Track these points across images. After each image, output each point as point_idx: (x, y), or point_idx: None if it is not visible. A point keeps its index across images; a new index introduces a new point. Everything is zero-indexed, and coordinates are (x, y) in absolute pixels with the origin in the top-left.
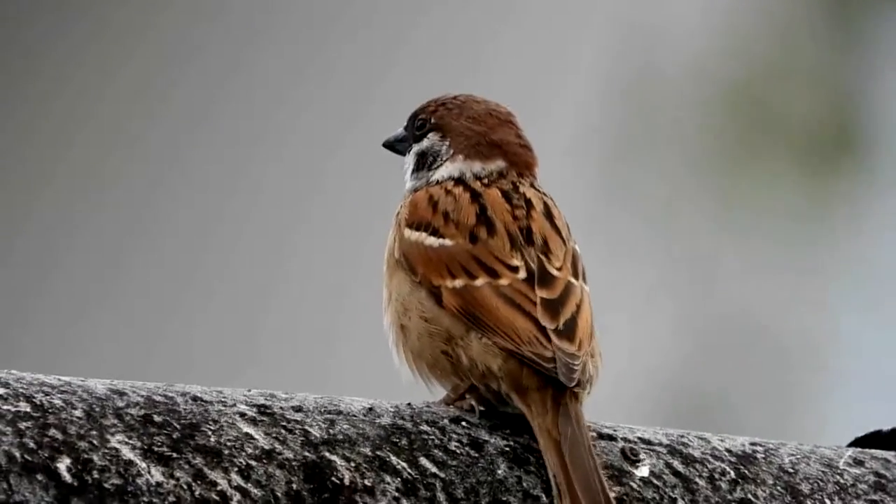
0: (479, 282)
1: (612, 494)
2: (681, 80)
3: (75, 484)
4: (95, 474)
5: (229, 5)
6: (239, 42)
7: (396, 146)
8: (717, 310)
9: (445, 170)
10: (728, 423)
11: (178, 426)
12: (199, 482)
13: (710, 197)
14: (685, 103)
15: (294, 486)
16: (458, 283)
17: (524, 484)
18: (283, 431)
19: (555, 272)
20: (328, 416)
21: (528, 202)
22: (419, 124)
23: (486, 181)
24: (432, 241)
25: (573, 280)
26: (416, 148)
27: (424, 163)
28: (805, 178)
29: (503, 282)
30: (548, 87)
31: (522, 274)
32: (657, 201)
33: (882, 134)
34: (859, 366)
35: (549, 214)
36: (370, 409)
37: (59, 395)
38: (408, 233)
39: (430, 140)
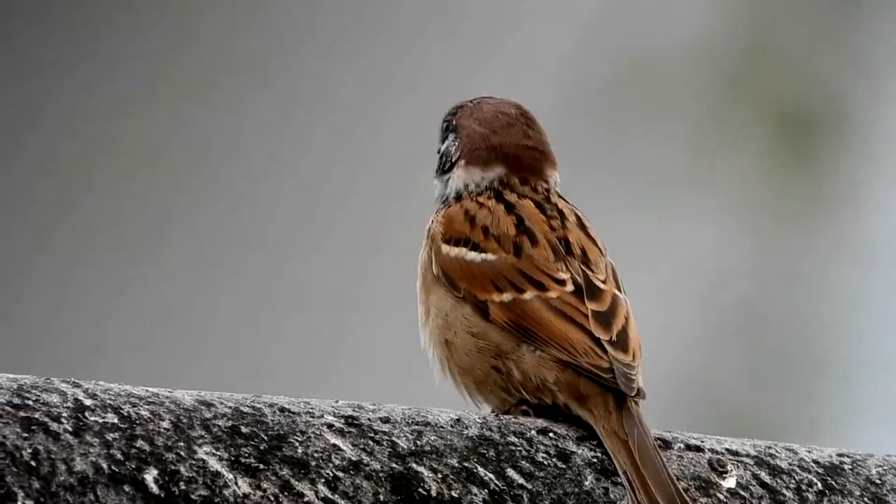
0: (528, 295)
1: (681, 486)
2: (668, 59)
3: (162, 495)
4: (182, 486)
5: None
6: (252, 47)
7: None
8: (711, 287)
9: (453, 182)
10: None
11: (265, 437)
12: (285, 493)
13: (696, 176)
14: (672, 83)
15: (381, 497)
16: (506, 297)
17: (611, 495)
18: (370, 443)
19: (601, 285)
20: (415, 427)
21: (561, 213)
22: (445, 125)
23: (488, 194)
24: (474, 255)
25: (618, 293)
26: (437, 147)
27: (441, 165)
28: (791, 158)
29: (552, 295)
30: (531, 63)
31: (570, 287)
32: (642, 183)
33: (868, 114)
34: (852, 349)
35: (582, 225)
36: (458, 420)
37: (147, 406)
38: (446, 248)
39: (447, 142)
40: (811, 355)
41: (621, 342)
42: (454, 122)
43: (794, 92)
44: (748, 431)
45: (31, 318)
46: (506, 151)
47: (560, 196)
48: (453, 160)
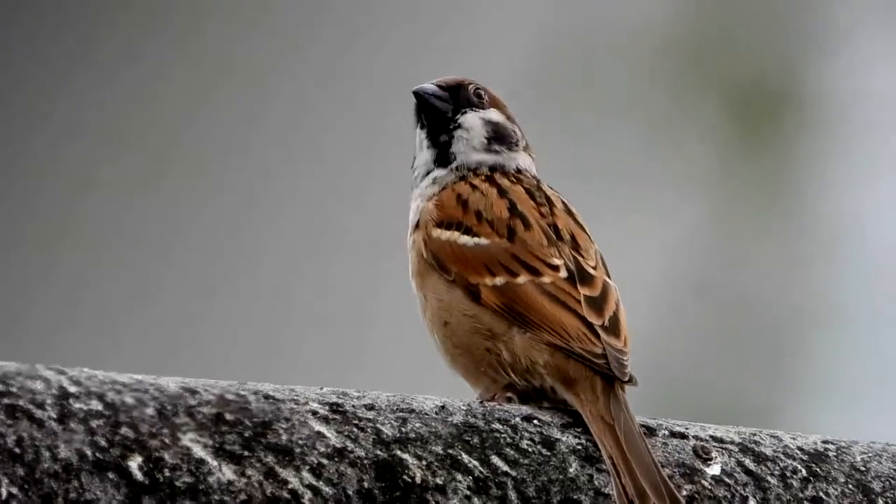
0: (521, 279)
1: (665, 472)
2: (623, 43)
3: (146, 482)
4: (167, 472)
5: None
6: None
7: (434, 101)
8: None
9: (524, 160)
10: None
11: (249, 424)
12: (270, 480)
13: (652, 161)
14: (627, 68)
15: (365, 484)
16: (499, 280)
17: (595, 482)
18: (354, 430)
19: (592, 271)
20: (400, 414)
21: (549, 200)
22: (476, 92)
23: (514, 178)
24: (466, 239)
25: (608, 279)
26: (482, 115)
27: (502, 138)
28: (748, 140)
29: (546, 279)
30: (485, 42)
31: (563, 273)
32: (597, 168)
33: (824, 95)
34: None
35: (569, 212)
36: (442, 407)
37: (131, 394)
38: (437, 232)
39: (499, 116)
40: (770, 337)
41: (613, 327)
42: (488, 100)
43: (750, 74)
44: (707, 414)
45: (18, 308)
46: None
47: (544, 184)
48: (519, 145)
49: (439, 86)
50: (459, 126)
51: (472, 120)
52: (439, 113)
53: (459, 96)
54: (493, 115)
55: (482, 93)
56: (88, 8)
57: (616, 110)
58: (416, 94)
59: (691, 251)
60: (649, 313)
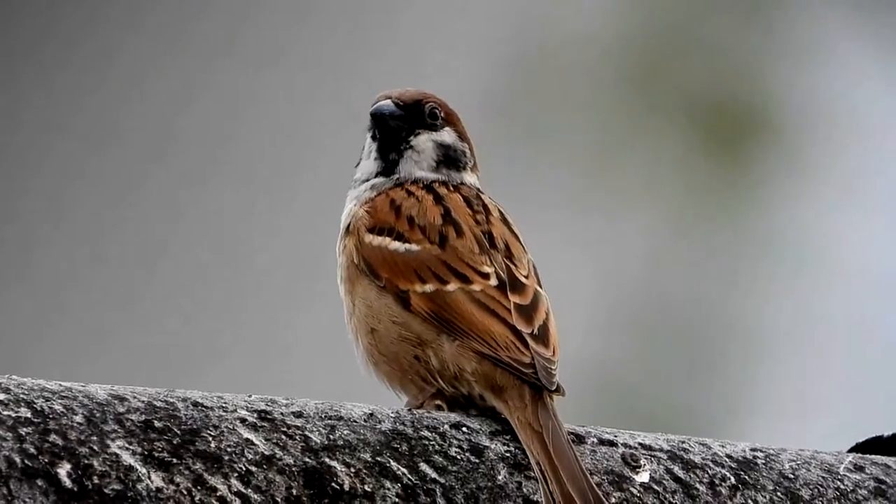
0: (451, 287)
1: (594, 481)
2: (582, 51)
3: (75, 489)
4: (96, 479)
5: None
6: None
7: (390, 121)
8: (623, 285)
9: (469, 178)
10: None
11: (178, 432)
12: (198, 488)
13: (608, 170)
14: (585, 76)
15: (294, 491)
16: (429, 287)
17: (524, 489)
18: (283, 437)
19: (523, 280)
20: (329, 421)
21: (486, 208)
22: (431, 112)
23: (454, 188)
24: (397, 245)
25: (539, 289)
26: (435, 137)
27: (451, 160)
28: (706, 154)
29: (475, 287)
30: (439, 53)
31: (494, 281)
32: (552, 177)
33: (787, 112)
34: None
35: (505, 221)
36: (371, 414)
37: (60, 401)
38: (369, 237)
39: (451, 136)
40: (723, 348)
41: (542, 336)
42: (444, 117)
43: (709, 83)
44: (644, 423)
45: None
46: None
47: (483, 192)
48: (468, 165)
49: (397, 103)
50: (411, 147)
51: (424, 143)
52: (393, 132)
53: (415, 113)
54: (446, 136)
55: (438, 111)
56: (75, 2)
57: (571, 122)
58: (374, 115)
59: (641, 263)
60: (594, 325)
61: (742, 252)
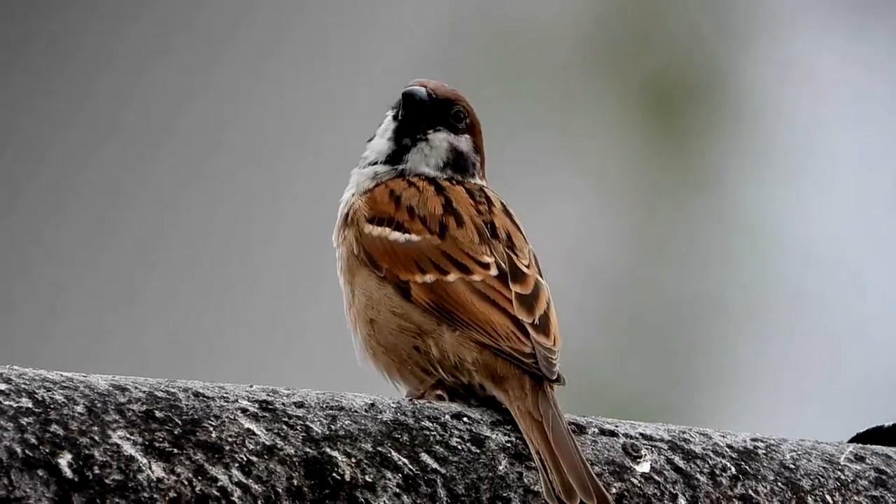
0: (451, 277)
1: (594, 471)
2: (537, 35)
3: (76, 479)
4: (97, 470)
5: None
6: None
7: (418, 106)
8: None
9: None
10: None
11: (179, 422)
12: (199, 478)
13: (565, 153)
14: (541, 60)
15: (295, 481)
16: (429, 277)
17: (525, 480)
18: (284, 427)
19: (525, 269)
20: (330, 412)
21: (488, 199)
22: (457, 114)
23: (457, 182)
24: (397, 235)
25: (540, 279)
26: (452, 139)
27: (460, 166)
28: (663, 133)
29: (475, 278)
30: (398, 32)
31: (494, 271)
32: (510, 161)
33: (739, 87)
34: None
35: (507, 212)
36: (372, 404)
37: (61, 391)
38: (369, 228)
39: (468, 145)
40: (684, 332)
41: (543, 326)
42: (468, 123)
43: (665, 67)
44: (618, 408)
45: None
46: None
47: (488, 187)
48: (477, 173)
49: (430, 94)
50: (426, 140)
51: (441, 141)
52: (416, 118)
53: (443, 110)
54: (463, 143)
55: (463, 116)
56: (73, 3)
57: (529, 104)
58: (406, 95)
59: (605, 245)
60: (562, 308)
61: (700, 230)
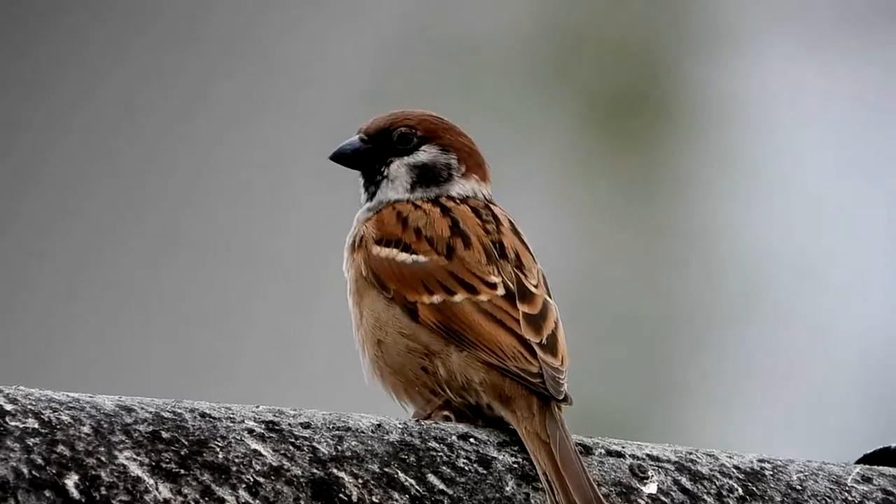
0: (458, 297)
1: (601, 492)
2: (489, 45)
3: (83, 500)
4: (103, 490)
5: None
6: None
7: (353, 159)
8: None
9: (461, 186)
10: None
11: (186, 442)
12: (206, 499)
13: (516, 165)
14: (494, 70)
15: (302, 502)
16: (436, 298)
17: (532, 501)
18: (291, 448)
19: (533, 289)
20: (336, 432)
21: (496, 218)
22: (402, 136)
23: (460, 200)
24: (405, 257)
25: (548, 298)
26: (409, 160)
27: (430, 177)
28: (614, 143)
29: (482, 298)
30: (343, 41)
31: (501, 291)
32: None
33: (695, 97)
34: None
35: (515, 231)
36: (378, 425)
37: (67, 412)
38: (376, 249)
39: (430, 153)
40: (641, 342)
41: (551, 346)
42: (422, 134)
43: (616, 77)
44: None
45: None
46: (485, 168)
47: (494, 203)
48: (456, 174)
49: (362, 138)
50: (385, 177)
51: (397, 170)
52: (362, 166)
53: (384, 141)
54: (422, 156)
55: (409, 133)
56: (76, 7)
57: (477, 114)
58: (333, 159)
59: (558, 256)
60: None
61: (655, 239)
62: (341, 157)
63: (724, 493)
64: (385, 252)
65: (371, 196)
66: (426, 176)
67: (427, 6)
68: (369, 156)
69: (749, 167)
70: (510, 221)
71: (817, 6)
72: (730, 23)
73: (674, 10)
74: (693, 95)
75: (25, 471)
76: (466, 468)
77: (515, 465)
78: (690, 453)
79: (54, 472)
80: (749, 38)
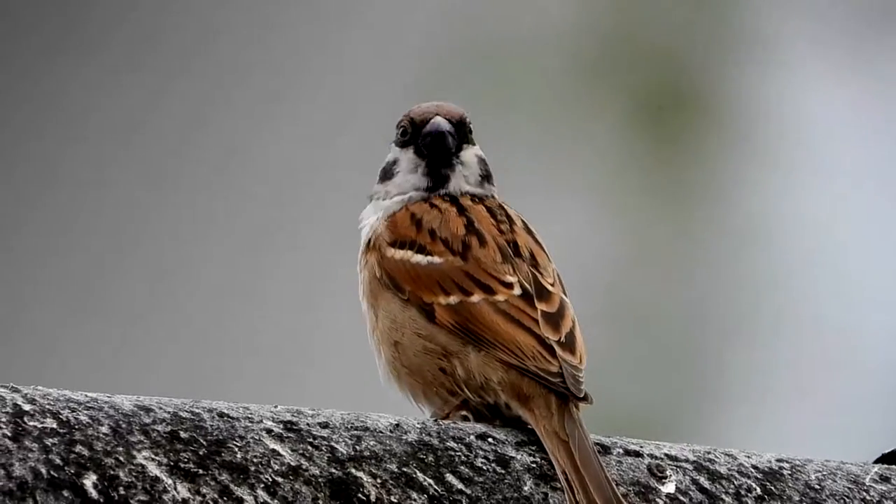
0: (475, 298)
1: (620, 491)
2: (530, 47)
3: (101, 500)
4: (122, 490)
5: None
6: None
7: (448, 139)
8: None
9: (494, 190)
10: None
11: (204, 442)
12: (225, 499)
13: (556, 166)
14: (533, 72)
15: (320, 502)
16: (453, 299)
17: (551, 500)
18: (309, 448)
19: (549, 287)
20: (355, 432)
21: (510, 218)
22: (470, 128)
23: (478, 199)
24: (419, 258)
25: (564, 297)
26: (476, 152)
27: (489, 174)
28: (655, 144)
29: (499, 298)
30: (385, 44)
31: (517, 290)
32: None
33: (732, 97)
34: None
35: (528, 230)
36: (397, 425)
37: (86, 412)
38: (391, 251)
39: (482, 151)
40: (678, 341)
41: (569, 344)
42: (470, 135)
43: (656, 78)
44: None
45: None
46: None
47: (506, 203)
48: (493, 177)
49: (449, 120)
50: (462, 163)
51: (470, 158)
52: (448, 149)
53: (461, 129)
54: (480, 150)
55: (471, 128)
56: (97, 8)
57: (518, 115)
58: (433, 134)
59: (598, 254)
60: None
61: (695, 238)
62: (441, 134)
63: (743, 492)
64: (400, 254)
65: (438, 181)
66: (487, 172)
67: (470, 6)
68: (454, 139)
69: (786, 169)
70: (523, 221)
71: (855, 14)
72: (768, 28)
73: (713, 14)
74: (731, 97)
75: (44, 471)
76: (484, 468)
77: (533, 465)
78: (709, 453)
79: (73, 472)
80: (786, 44)
